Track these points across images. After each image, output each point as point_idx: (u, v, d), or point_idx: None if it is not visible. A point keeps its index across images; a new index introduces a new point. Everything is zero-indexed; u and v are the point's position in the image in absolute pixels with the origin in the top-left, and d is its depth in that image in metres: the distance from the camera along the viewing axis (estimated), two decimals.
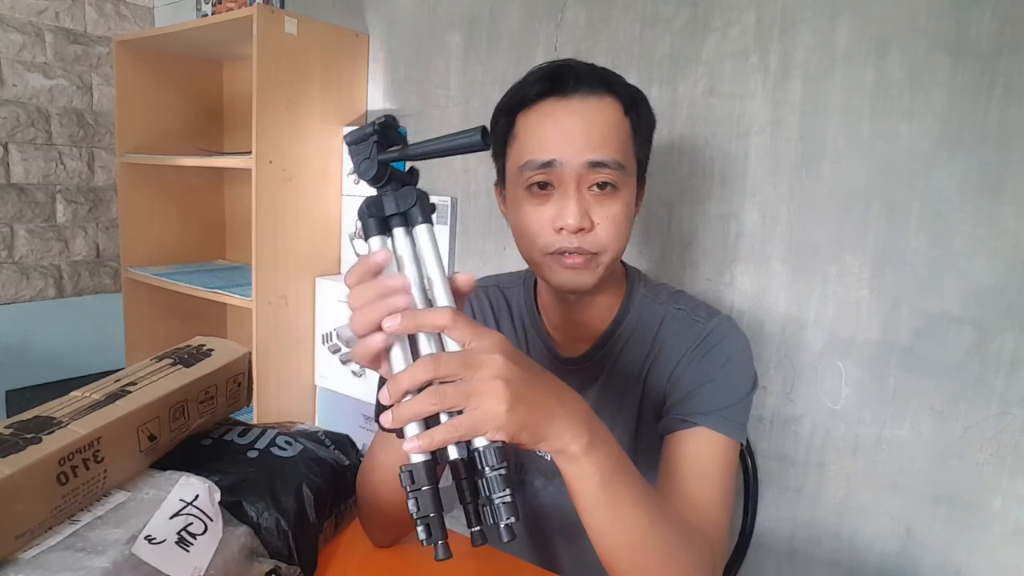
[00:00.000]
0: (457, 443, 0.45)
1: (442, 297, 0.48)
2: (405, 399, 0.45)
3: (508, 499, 0.43)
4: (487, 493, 0.44)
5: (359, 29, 1.59)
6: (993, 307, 0.90)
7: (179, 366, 0.67)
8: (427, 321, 0.45)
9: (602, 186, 0.67)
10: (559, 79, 0.68)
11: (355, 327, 0.47)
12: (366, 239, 0.49)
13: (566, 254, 0.68)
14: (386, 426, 0.46)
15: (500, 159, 0.76)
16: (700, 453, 0.67)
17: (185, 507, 0.55)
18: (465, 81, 1.43)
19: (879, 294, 0.98)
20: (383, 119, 0.48)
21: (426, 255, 0.48)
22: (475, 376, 0.44)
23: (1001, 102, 0.87)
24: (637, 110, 0.70)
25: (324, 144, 1.53)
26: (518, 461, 0.83)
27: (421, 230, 0.48)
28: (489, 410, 0.44)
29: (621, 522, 0.54)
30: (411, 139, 0.48)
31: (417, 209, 0.48)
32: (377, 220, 0.49)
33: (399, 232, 0.49)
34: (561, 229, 0.67)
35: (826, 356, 1.03)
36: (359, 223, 0.50)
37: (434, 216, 0.51)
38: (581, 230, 0.66)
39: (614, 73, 0.71)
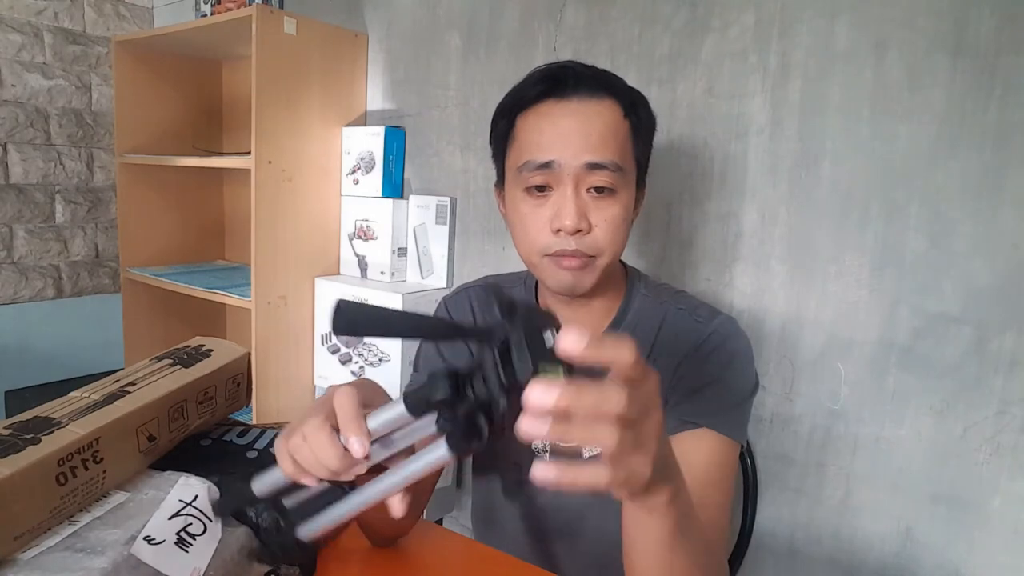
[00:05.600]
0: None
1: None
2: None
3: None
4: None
5: (358, 29, 1.59)
6: (992, 307, 0.90)
7: (178, 366, 0.67)
8: (612, 354, 0.36)
9: (600, 189, 0.67)
10: (558, 80, 0.68)
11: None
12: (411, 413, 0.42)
13: (563, 256, 0.68)
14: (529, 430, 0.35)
15: (499, 160, 0.76)
16: (702, 454, 0.67)
17: (184, 507, 0.54)
18: (464, 81, 1.43)
19: (878, 294, 0.98)
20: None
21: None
22: (641, 429, 0.38)
23: (1000, 102, 0.87)
24: (637, 113, 0.70)
25: (323, 144, 1.53)
26: (517, 461, 0.83)
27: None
28: (637, 471, 0.39)
29: (669, 565, 0.52)
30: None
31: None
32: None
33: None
34: (559, 230, 0.67)
35: (825, 356, 1.03)
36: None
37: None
38: (579, 232, 0.66)
39: (614, 75, 0.71)
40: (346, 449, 0.44)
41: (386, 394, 0.58)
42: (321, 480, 0.47)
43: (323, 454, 0.44)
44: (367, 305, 0.37)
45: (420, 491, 0.76)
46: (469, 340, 0.39)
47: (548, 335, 0.37)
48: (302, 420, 0.47)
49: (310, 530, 0.49)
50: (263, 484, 0.50)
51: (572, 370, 0.36)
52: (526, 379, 0.35)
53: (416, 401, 0.41)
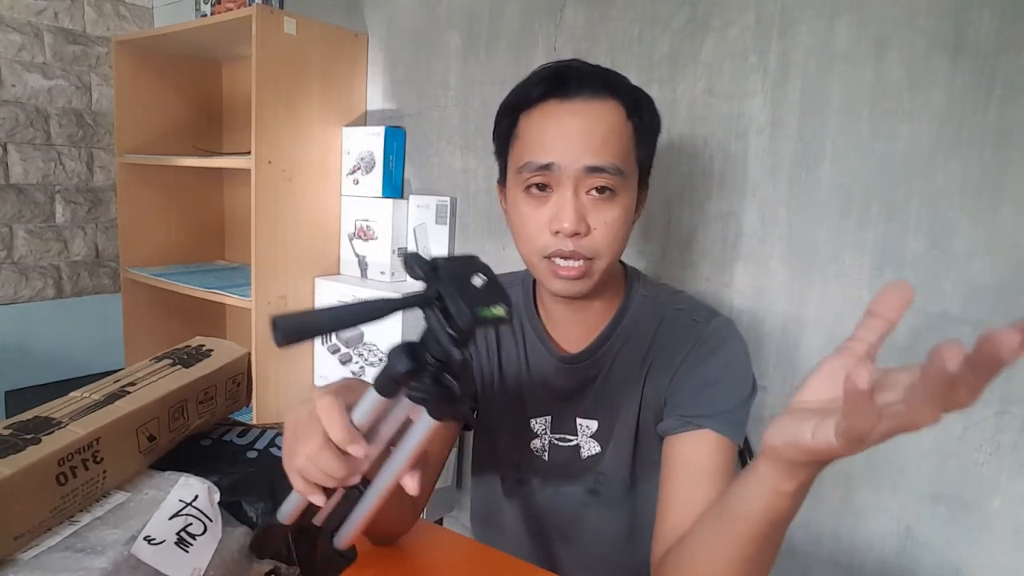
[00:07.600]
0: None
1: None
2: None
3: None
4: None
5: (358, 29, 1.59)
6: (993, 307, 0.90)
7: (178, 366, 0.67)
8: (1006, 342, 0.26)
9: (600, 190, 0.67)
10: (562, 80, 0.67)
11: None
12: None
13: (560, 264, 0.68)
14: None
15: (502, 158, 0.75)
16: (701, 455, 0.67)
17: (184, 507, 0.55)
18: (464, 81, 1.43)
19: None
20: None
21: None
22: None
23: (1000, 102, 0.87)
24: (640, 114, 0.69)
25: (323, 144, 1.53)
26: (516, 461, 0.83)
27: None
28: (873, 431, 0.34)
29: (763, 554, 0.51)
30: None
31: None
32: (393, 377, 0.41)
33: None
34: (557, 232, 0.67)
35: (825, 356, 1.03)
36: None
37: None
38: (577, 234, 0.66)
39: (619, 75, 0.70)
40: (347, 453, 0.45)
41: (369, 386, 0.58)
42: (331, 492, 0.48)
43: (329, 468, 0.45)
44: (299, 312, 0.38)
45: (432, 464, 0.77)
46: (407, 310, 0.40)
47: (476, 279, 0.39)
48: (297, 437, 0.47)
49: (344, 537, 0.50)
50: (287, 511, 0.51)
51: (509, 304, 0.39)
52: (468, 325, 0.37)
53: (384, 382, 0.42)
